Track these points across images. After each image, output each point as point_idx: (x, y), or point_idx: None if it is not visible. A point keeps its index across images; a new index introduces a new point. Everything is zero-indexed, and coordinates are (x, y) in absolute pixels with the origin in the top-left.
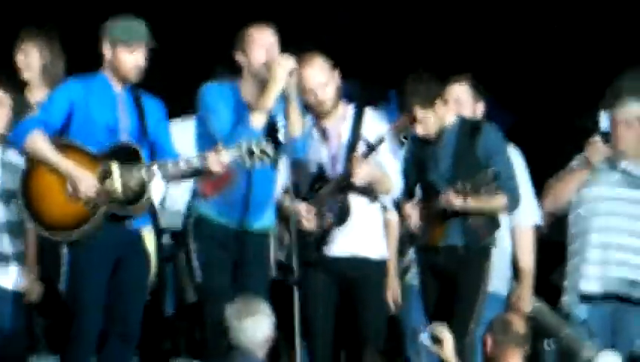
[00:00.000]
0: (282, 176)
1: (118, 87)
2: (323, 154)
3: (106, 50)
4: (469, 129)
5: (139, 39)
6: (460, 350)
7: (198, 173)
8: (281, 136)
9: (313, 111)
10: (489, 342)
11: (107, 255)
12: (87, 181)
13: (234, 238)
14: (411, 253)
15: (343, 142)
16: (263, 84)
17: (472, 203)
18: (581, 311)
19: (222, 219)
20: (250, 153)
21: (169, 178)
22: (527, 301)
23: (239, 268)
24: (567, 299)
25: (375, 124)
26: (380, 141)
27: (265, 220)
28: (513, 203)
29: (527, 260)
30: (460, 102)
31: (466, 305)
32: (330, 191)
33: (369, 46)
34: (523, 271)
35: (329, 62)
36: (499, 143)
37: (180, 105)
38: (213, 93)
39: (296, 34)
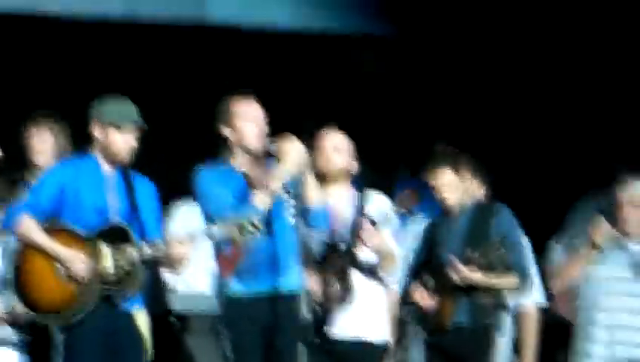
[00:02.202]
0: None
1: (107, 168)
2: (326, 234)
3: (96, 132)
4: (483, 210)
5: (129, 120)
6: None
7: (162, 260)
8: (290, 212)
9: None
10: None
11: (102, 339)
12: (79, 261)
13: (266, 305)
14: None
15: (347, 224)
16: (256, 158)
17: (481, 278)
18: None
19: (250, 290)
20: (241, 230)
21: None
22: None
23: (273, 333)
24: None
25: (379, 204)
26: (384, 219)
27: (293, 280)
28: (524, 284)
29: (530, 343)
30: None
31: None
32: (334, 270)
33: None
34: (525, 355)
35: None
36: (512, 225)
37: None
38: (206, 178)
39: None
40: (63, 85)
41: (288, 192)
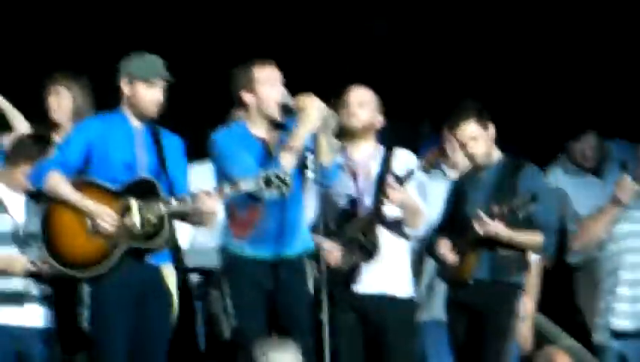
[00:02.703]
0: (310, 207)
1: (136, 124)
2: (351, 189)
3: (125, 87)
4: (510, 168)
5: (157, 75)
6: None
7: (191, 215)
8: (309, 166)
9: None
10: None
11: (128, 293)
12: (107, 216)
13: (270, 270)
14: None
15: (372, 179)
16: (274, 121)
17: (506, 232)
18: (615, 347)
19: (257, 253)
20: (268, 183)
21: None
22: (529, 340)
23: (278, 297)
24: (599, 336)
25: (404, 161)
26: (409, 175)
27: (298, 246)
28: (549, 245)
29: (532, 295)
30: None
31: (495, 344)
32: (359, 226)
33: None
34: (525, 308)
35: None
36: (541, 184)
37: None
38: (226, 140)
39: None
40: (89, 43)
41: (307, 149)
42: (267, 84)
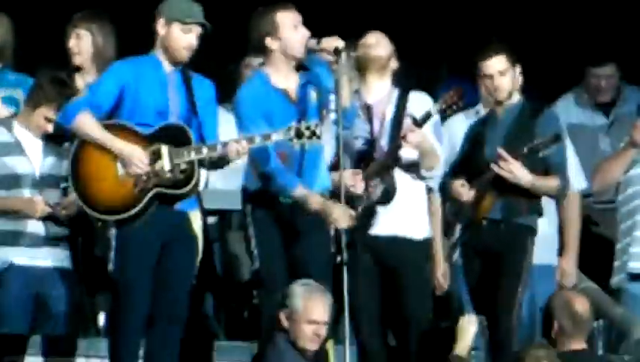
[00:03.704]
0: (328, 149)
1: (168, 68)
2: (367, 132)
3: (161, 29)
4: (529, 111)
5: (195, 19)
6: (507, 328)
7: (220, 162)
8: (331, 108)
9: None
10: (554, 325)
11: (155, 237)
12: (138, 157)
13: (290, 211)
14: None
15: (387, 122)
16: (299, 65)
17: (527, 174)
18: (632, 290)
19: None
20: (299, 135)
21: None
22: (573, 275)
23: (298, 238)
24: (617, 279)
25: (420, 104)
26: (426, 117)
27: (317, 185)
28: (563, 189)
29: (575, 225)
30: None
31: (510, 284)
32: (375, 169)
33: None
34: (567, 242)
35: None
36: (558, 129)
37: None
38: (248, 103)
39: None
40: None
41: (329, 91)
42: (291, 28)
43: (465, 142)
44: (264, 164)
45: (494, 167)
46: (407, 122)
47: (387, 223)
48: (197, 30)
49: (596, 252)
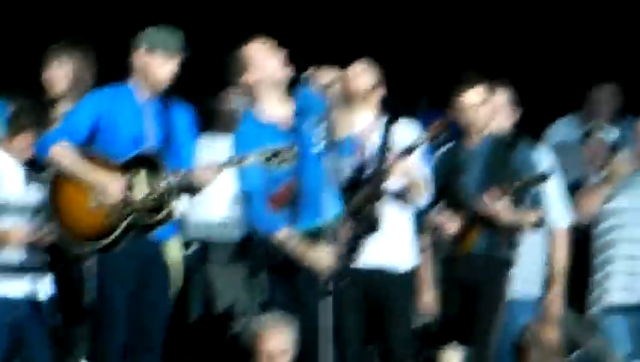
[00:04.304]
0: None
1: (146, 97)
2: (354, 161)
3: (141, 58)
4: (504, 141)
5: (178, 48)
6: (482, 359)
7: (191, 189)
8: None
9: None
10: (525, 356)
11: (130, 265)
12: (114, 185)
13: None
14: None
15: (373, 150)
16: (282, 93)
17: (511, 214)
18: (608, 322)
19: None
20: (269, 159)
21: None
22: (559, 305)
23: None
24: (594, 310)
25: (407, 132)
26: (412, 148)
27: (327, 212)
28: (542, 223)
29: (560, 262)
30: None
31: (486, 316)
32: (361, 199)
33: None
34: (555, 274)
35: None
36: (533, 160)
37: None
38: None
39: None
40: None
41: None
42: (264, 54)
43: (439, 172)
44: (246, 189)
45: (480, 206)
46: (392, 153)
47: (373, 254)
48: (178, 58)
49: (575, 279)
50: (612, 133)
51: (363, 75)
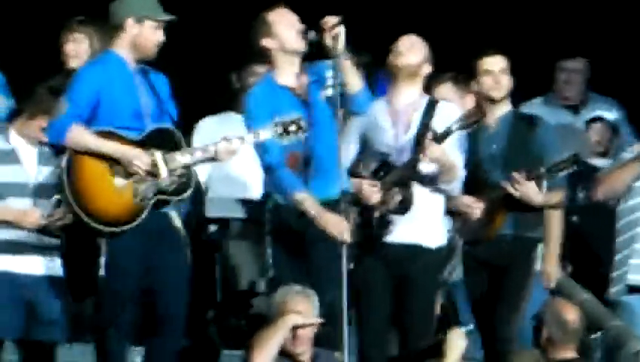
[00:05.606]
0: (347, 146)
1: (132, 66)
2: (390, 140)
3: (129, 27)
4: (523, 121)
5: (165, 15)
6: (506, 339)
7: (212, 161)
8: (328, 93)
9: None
10: (544, 334)
11: (143, 240)
12: (142, 157)
13: (303, 220)
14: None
15: (412, 130)
16: (299, 59)
17: (538, 196)
18: (629, 302)
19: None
20: (286, 130)
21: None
22: (553, 277)
23: (309, 247)
24: (615, 291)
25: (448, 114)
26: (446, 134)
27: (332, 187)
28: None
29: (554, 231)
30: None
31: (514, 296)
32: (394, 178)
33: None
34: (547, 244)
35: None
36: (555, 140)
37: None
38: (256, 107)
39: None
40: None
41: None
42: (285, 24)
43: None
44: (268, 161)
45: (509, 189)
46: (428, 136)
47: (402, 231)
48: (162, 26)
49: (591, 263)
50: (612, 115)
51: (411, 50)
